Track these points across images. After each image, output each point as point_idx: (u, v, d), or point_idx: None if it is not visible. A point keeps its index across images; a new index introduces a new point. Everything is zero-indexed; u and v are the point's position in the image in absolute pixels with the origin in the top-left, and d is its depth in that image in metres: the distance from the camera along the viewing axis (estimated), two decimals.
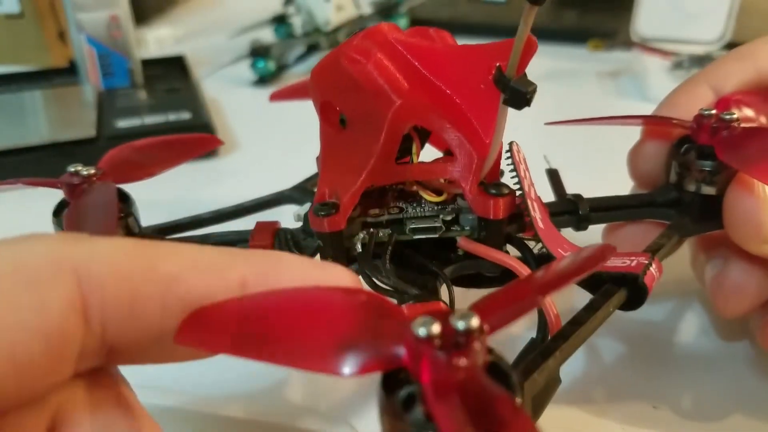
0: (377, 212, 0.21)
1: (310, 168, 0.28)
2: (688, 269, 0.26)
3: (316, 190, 0.22)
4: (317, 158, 0.24)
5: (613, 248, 0.15)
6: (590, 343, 0.26)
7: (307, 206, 0.27)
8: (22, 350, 0.12)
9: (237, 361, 0.25)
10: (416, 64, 0.20)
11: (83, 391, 0.14)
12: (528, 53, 0.18)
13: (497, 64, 0.19)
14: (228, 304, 0.13)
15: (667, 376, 0.24)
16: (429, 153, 0.22)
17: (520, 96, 0.18)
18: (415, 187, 0.22)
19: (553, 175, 0.26)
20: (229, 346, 0.13)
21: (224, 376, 0.25)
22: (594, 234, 0.25)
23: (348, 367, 0.11)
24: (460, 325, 0.11)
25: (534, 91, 0.18)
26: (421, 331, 0.11)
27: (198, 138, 0.28)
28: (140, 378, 0.24)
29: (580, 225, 0.24)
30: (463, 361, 0.11)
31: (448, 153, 0.22)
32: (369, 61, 0.20)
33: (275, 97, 0.36)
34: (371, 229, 0.21)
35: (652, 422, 0.22)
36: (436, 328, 0.11)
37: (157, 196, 0.28)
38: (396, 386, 0.12)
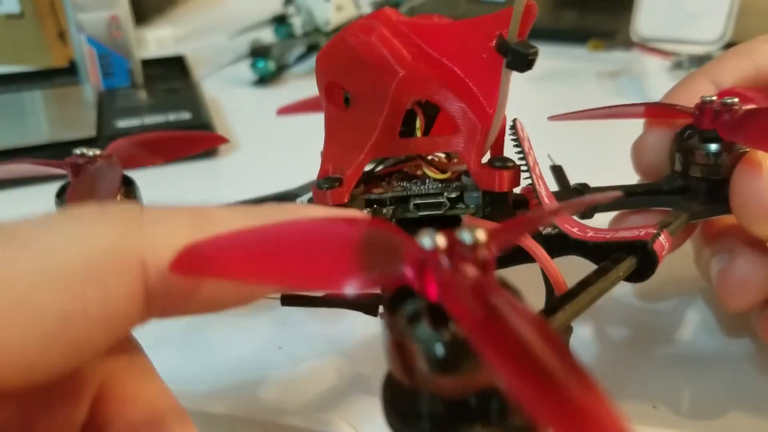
0: (381, 190, 0.21)
1: (310, 168, 0.28)
2: (690, 267, 0.26)
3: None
4: (321, 153, 0.24)
5: (619, 193, 0.15)
6: (591, 342, 0.26)
7: (311, 194, 0.27)
8: (85, 339, 0.12)
9: (238, 361, 0.25)
10: (418, 41, 0.20)
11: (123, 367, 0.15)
12: (528, 18, 0.18)
13: (498, 32, 0.19)
14: (227, 236, 0.13)
15: (669, 374, 0.24)
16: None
17: (522, 58, 0.18)
18: (419, 171, 0.22)
19: (558, 171, 0.26)
20: (227, 271, 0.13)
21: (225, 375, 0.25)
22: (599, 224, 0.25)
23: (351, 285, 0.11)
24: (467, 237, 0.11)
25: (536, 53, 0.18)
26: (426, 242, 0.11)
27: (203, 135, 0.28)
28: None
29: (587, 213, 0.24)
30: (470, 269, 0.11)
31: None
32: (372, 34, 0.20)
33: (282, 111, 0.36)
34: (375, 206, 0.21)
35: (652, 422, 0.22)
36: (441, 240, 0.11)
37: (157, 196, 0.28)
38: (400, 306, 0.12)
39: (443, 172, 0.21)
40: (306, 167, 0.29)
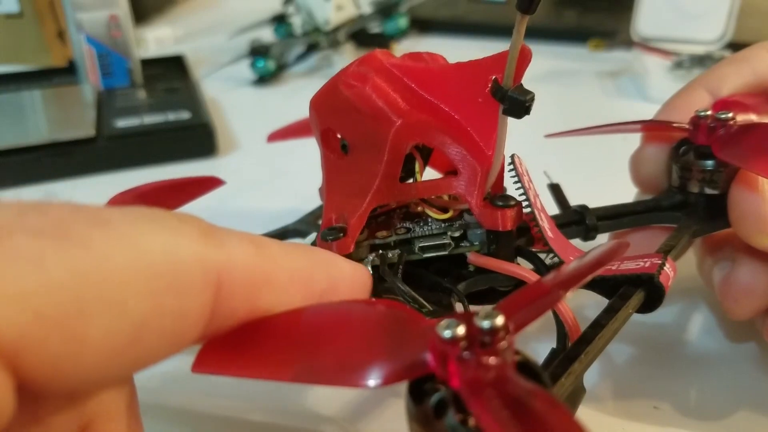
0: (385, 234, 0.21)
1: (308, 170, 0.28)
2: (690, 268, 0.26)
3: (320, 222, 0.22)
4: (320, 189, 0.23)
5: (627, 243, 0.15)
6: None
7: (312, 236, 0.27)
8: (145, 352, 0.12)
9: None
10: (412, 85, 0.20)
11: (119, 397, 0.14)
12: (523, 63, 0.18)
13: (493, 77, 0.19)
14: (245, 328, 0.13)
15: (670, 375, 0.24)
16: (430, 175, 0.22)
17: (519, 104, 0.18)
18: (420, 208, 0.22)
19: (556, 190, 0.26)
20: (250, 370, 0.13)
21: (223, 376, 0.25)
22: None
23: (372, 379, 0.11)
24: (485, 324, 0.11)
25: (532, 99, 0.18)
26: (447, 333, 0.11)
27: (200, 180, 0.28)
28: (137, 377, 0.24)
29: (588, 235, 0.24)
30: (492, 360, 0.11)
31: (450, 174, 0.22)
32: (366, 84, 0.20)
33: (273, 137, 0.35)
34: (380, 251, 0.21)
35: (653, 422, 0.22)
36: (461, 329, 0.11)
37: None
38: (425, 394, 0.12)
39: (445, 211, 0.21)
40: (305, 168, 0.29)
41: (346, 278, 0.16)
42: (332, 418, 0.22)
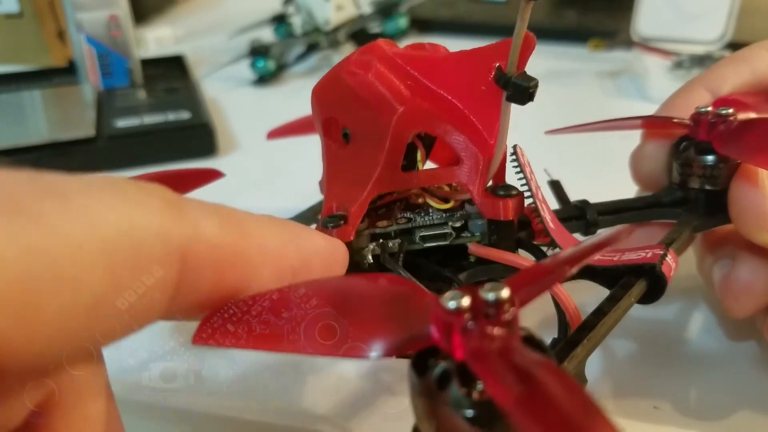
0: (385, 223, 0.21)
1: (309, 169, 0.28)
2: (690, 267, 0.26)
3: (320, 216, 0.22)
4: (320, 182, 0.23)
5: (632, 228, 0.15)
6: None
7: (312, 228, 0.27)
8: (104, 329, 0.11)
9: (232, 361, 0.25)
10: (415, 73, 0.20)
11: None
12: (527, 50, 0.18)
13: (496, 64, 0.19)
14: (246, 301, 0.13)
15: (670, 374, 0.24)
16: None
17: (523, 91, 0.18)
18: (421, 199, 0.22)
19: (556, 186, 0.26)
20: (251, 341, 0.13)
21: (221, 376, 0.25)
22: None
23: (375, 351, 0.11)
24: (491, 296, 0.11)
25: (536, 85, 0.18)
26: (451, 304, 0.11)
27: (199, 172, 0.28)
28: (138, 377, 0.24)
29: (589, 230, 0.24)
30: (496, 330, 0.11)
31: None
32: (369, 72, 0.20)
33: (273, 135, 0.35)
34: (381, 240, 0.21)
35: (653, 422, 0.22)
36: (466, 300, 0.11)
37: None
38: (428, 366, 0.12)
39: (446, 201, 0.21)
40: (305, 168, 0.29)
41: (320, 253, 0.16)
42: (330, 418, 0.22)
